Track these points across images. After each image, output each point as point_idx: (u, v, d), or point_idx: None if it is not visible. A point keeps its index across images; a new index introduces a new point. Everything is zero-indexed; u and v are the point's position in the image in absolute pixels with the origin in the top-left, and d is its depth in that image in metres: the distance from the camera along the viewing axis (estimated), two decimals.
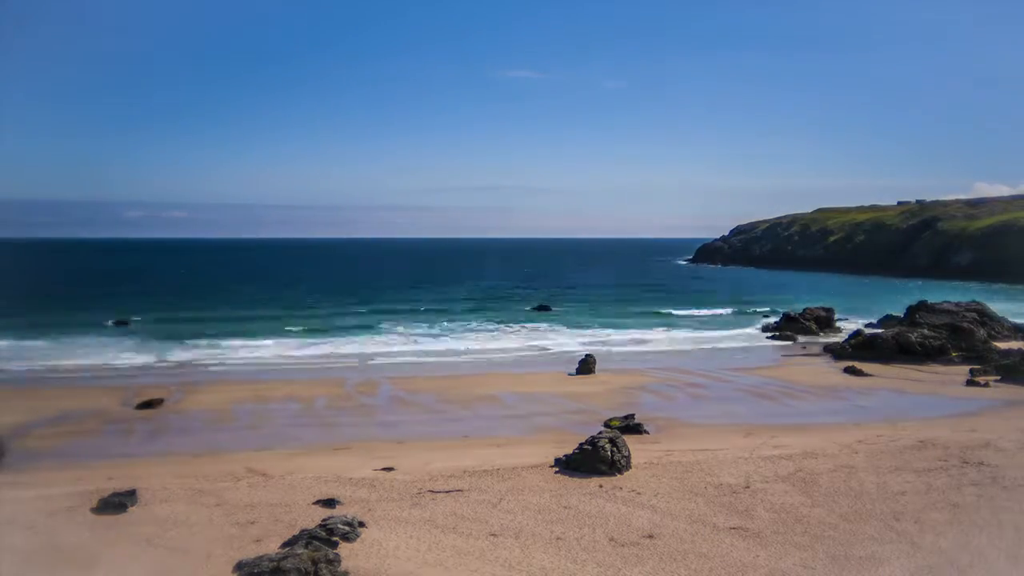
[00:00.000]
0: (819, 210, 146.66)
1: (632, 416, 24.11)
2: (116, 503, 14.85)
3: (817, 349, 42.22)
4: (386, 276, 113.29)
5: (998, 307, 51.73)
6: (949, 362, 36.66)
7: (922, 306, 45.81)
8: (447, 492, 16.02)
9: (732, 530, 13.85)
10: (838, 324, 51.28)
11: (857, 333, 42.58)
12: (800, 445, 20.26)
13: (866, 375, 33.68)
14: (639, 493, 15.96)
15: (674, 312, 62.66)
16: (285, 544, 12.92)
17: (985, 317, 44.47)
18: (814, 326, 49.31)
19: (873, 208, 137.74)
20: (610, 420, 23.74)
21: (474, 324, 53.91)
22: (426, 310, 62.53)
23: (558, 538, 13.47)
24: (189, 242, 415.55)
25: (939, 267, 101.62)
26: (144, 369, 35.48)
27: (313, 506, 15.12)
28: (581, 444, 18.11)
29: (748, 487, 16.34)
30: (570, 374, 34.04)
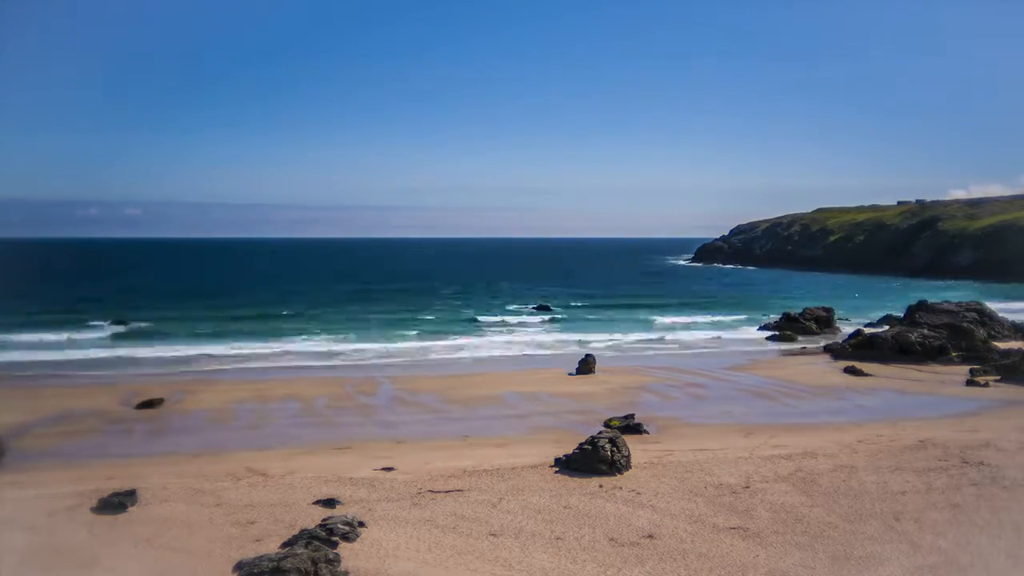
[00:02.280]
0: (819, 210, 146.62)
1: (632, 416, 24.11)
2: (116, 503, 14.86)
3: (817, 349, 42.20)
4: (379, 276, 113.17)
5: (998, 307, 51.74)
6: (949, 362, 36.63)
7: (922, 306, 45.78)
8: (447, 492, 16.02)
9: (732, 530, 13.85)
10: (838, 324, 51.27)
11: (857, 333, 42.58)
12: (800, 445, 20.26)
13: (866, 375, 33.66)
14: (639, 493, 15.97)
15: (674, 312, 62.66)
16: (285, 544, 12.92)
17: (985, 317, 44.44)
18: (814, 326, 49.29)
19: (873, 208, 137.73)
20: (610, 420, 23.73)
21: (473, 324, 53.91)
22: (424, 310, 62.51)
23: (558, 538, 13.48)
24: (148, 242, 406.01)
25: (939, 267, 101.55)
26: (144, 369, 35.48)
27: (313, 506, 15.13)
28: (581, 444, 18.12)
29: (748, 487, 16.34)
30: (570, 374, 34.02)
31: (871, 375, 33.71)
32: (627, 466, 17.67)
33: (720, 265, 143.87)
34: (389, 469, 18.17)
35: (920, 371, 35.00)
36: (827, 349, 41.12)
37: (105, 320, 51.94)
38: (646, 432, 22.79)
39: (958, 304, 46.13)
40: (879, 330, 44.26)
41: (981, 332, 40.92)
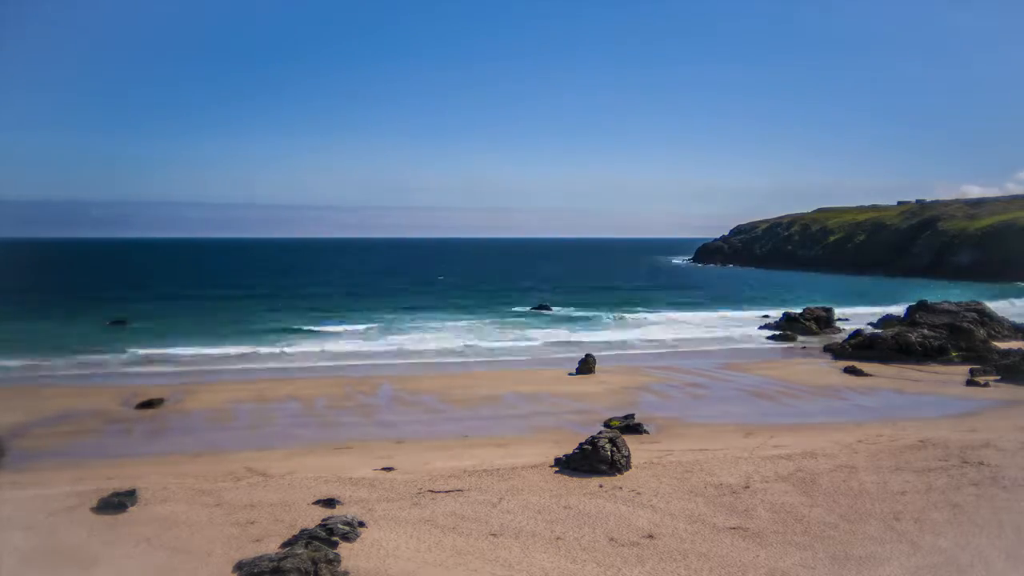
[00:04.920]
0: (819, 210, 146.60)
1: (632, 416, 24.12)
2: (116, 503, 14.86)
3: (817, 349, 42.20)
4: (371, 276, 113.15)
5: (998, 307, 51.78)
6: (949, 362, 36.65)
7: (922, 306, 45.83)
8: (447, 492, 16.02)
9: (732, 530, 13.85)
10: (838, 324, 51.27)
11: (857, 333, 42.58)
12: (800, 445, 20.26)
13: (866, 375, 33.66)
14: (639, 493, 15.97)
15: (674, 311, 62.68)
16: (285, 544, 12.92)
17: (985, 317, 44.47)
18: (814, 326, 49.30)
19: (873, 208, 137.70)
20: (610, 420, 23.74)
21: (474, 324, 53.89)
22: (423, 310, 62.50)
23: (558, 538, 13.48)
24: (138, 242, 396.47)
25: (939, 267, 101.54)
26: (144, 369, 35.48)
27: (313, 506, 15.13)
28: (581, 444, 18.12)
29: (748, 487, 16.34)
30: (570, 374, 34.02)
31: (871, 375, 33.71)
32: (627, 466, 17.67)
33: (720, 265, 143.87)
34: (389, 469, 18.17)
35: (920, 371, 35.00)
36: (827, 349, 41.14)
37: (104, 320, 51.96)
38: (646, 432, 22.79)
39: (958, 304, 46.19)
40: (879, 330, 44.29)
41: (981, 332, 40.95)
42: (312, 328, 50.11)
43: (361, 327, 51.18)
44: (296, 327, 50.29)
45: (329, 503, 15.23)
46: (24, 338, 42.56)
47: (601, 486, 16.45)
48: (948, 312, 43.94)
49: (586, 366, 34.25)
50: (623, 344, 45.55)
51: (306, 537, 12.82)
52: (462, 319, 56.56)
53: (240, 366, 36.59)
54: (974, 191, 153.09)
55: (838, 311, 54.10)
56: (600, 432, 18.91)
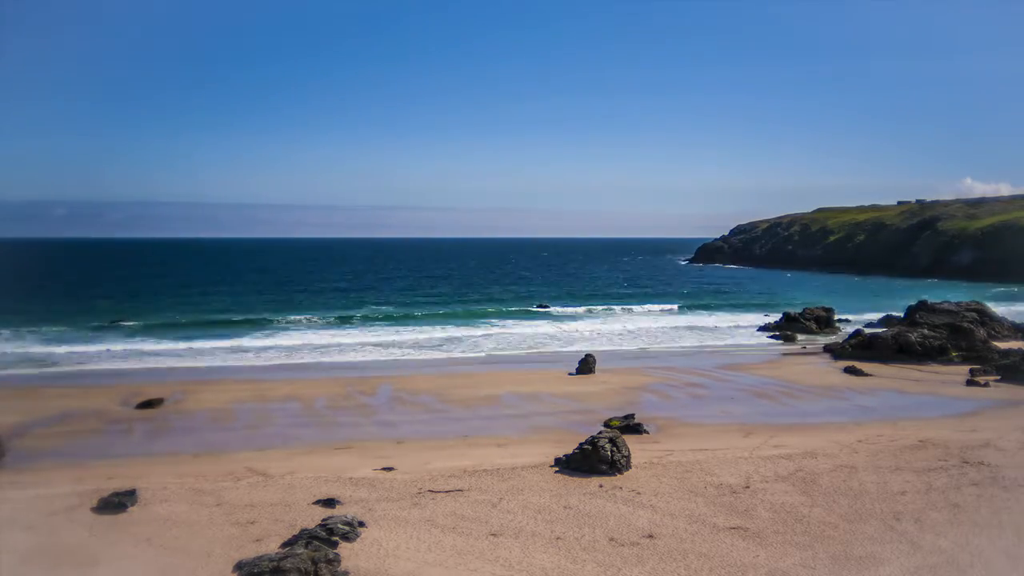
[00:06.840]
0: (819, 210, 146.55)
1: (632, 416, 24.11)
2: (116, 503, 14.87)
3: (817, 349, 42.19)
4: (376, 277, 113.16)
5: (998, 307, 51.77)
6: (949, 362, 36.63)
7: (922, 306, 45.80)
8: (447, 492, 16.03)
9: (732, 530, 13.86)
10: (838, 324, 51.27)
11: (857, 333, 42.56)
12: (800, 445, 20.26)
13: (866, 375, 33.65)
14: (639, 493, 15.97)
15: (674, 311, 62.71)
16: (285, 544, 12.93)
17: (985, 317, 44.47)
18: (814, 326, 49.29)
19: (873, 208, 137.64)
20: (610, 420, 23.74)
21: (473, 324, 53.89)
22: (423, 310, 62.51)
23: (558, 538, 13.48)
24: (134, 242, 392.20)
25: (939, 267, 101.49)
26: (144, 369, 35.48)
27: (313, 506, 15.14)
28: (581, 444, 18.12)
29: (748, 487, 16.35)
30: (570, 374, 34.02)
31: (871, 375, 33.71)
32: (627, 466, 17.68)
33: (720, 265, 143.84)
34: (389, 469, 18.18)
35: (920, 371, 35.00)
36: (827, 349, 41.13)
37: (104, 320, 51.97)
38: (646, 432, 22.79)
39: (958, 304, 46.15)
40: (879, 330, 44.25)
41: (981, 332, 40.92)
42: (313, 328, 50.15)
43: (362, 327, 51.20)
44: (297, 327, 50.31)
45: (329, 503, 15.24)
46: (23, 338, 42.55)
47: (601, 486, 16.45)
48: (948, 312, 43.92)
49: (586, 366, 34.24)
50: (623, 344, 45.53)
51: (306, 537, 12.83)
52: (461, 319, 56.57)
53: (240, 366, 36.59)
54: (976, 187, 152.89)
55: (838, 311, 54.09)
56: (600, 432, 18.91)
